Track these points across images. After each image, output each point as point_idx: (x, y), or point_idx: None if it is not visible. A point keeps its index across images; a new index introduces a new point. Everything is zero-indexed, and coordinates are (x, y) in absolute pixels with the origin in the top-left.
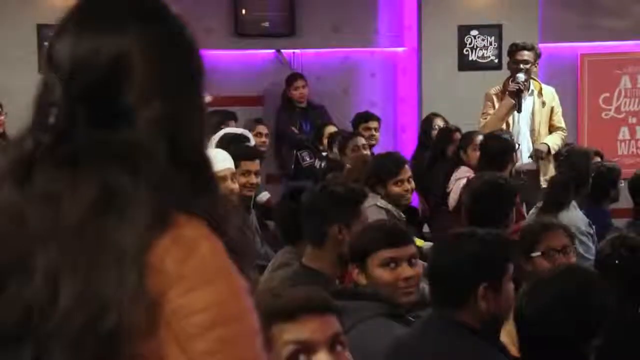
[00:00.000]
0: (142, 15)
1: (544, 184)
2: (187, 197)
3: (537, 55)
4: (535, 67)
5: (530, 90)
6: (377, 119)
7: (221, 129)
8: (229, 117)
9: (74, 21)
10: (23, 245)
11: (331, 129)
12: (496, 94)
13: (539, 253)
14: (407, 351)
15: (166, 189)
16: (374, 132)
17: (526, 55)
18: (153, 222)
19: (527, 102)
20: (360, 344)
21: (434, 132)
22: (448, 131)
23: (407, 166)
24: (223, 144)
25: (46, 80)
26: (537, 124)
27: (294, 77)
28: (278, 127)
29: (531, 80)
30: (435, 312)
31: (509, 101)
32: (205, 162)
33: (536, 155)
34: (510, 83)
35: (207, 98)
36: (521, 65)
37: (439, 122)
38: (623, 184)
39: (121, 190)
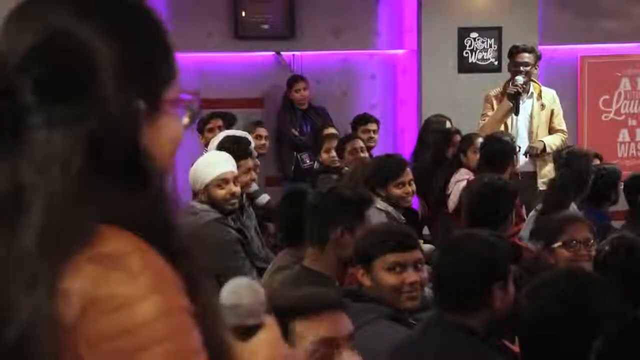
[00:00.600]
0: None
1: (541, 186)
2: (117, 205)
3: (538, 58)
4: (536, 69)
5: (529, 93)
6: (376, 122)
7: (213, 130)
8: (231, 121)
9: (10, 16)
10: None
11: (328, 130)
12: (495, 96)
13: (560, 243)
14: (409, 353)
15: (88, 197)
16: (372, 135)
17: (526, 57)
18: (68, 237)
19: (526, 105)
20: (366, 346)
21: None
22: (448, 133)
23: (408, 169)
24: (224, 146)
25: None
26: (535, 127)
27: (294, 79)
28: (278, 129)
29: (531, 83)
30: (438, 314)
31: (507, 104)
32: (144, 165)
33: (530, 152)
34: (509, 85)
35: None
36: (521, 68)
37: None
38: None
39: (31, 193)
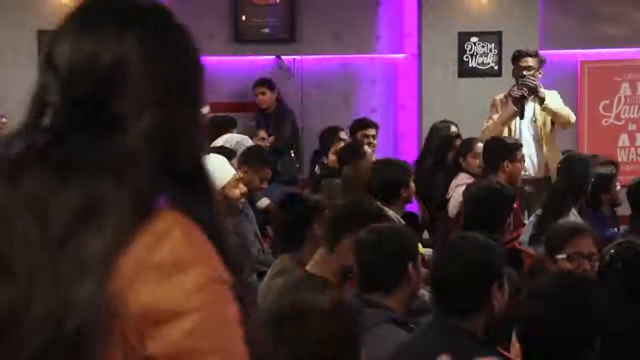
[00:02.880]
0: (144, 21)
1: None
2: (185, 210)
3: (541, 62)
4: (540, 73)
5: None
6: (375, 126)
7: (222, 134)
8: (232, 125)
9: (74, 24)
10: (6, 245)
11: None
12: (502, 100)
13: (564, 256)
14: (408, 356)
15: (152, 199)
16: (372, 140)
17: (530, 61)
18: (126, 225)
19: (528, 108)
20: (369, 351)
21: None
22: (449, 138)
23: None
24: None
25: (43, 81)
26: (539, 128)
27: (255, 83)
28: None
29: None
30: (437, 317)
31: (511, 107)
32: (203, 174)
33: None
34: (515, 89)
35: (206, 108)
36: (525, 72)
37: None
38: (619, 188)
39: (104, 201)
